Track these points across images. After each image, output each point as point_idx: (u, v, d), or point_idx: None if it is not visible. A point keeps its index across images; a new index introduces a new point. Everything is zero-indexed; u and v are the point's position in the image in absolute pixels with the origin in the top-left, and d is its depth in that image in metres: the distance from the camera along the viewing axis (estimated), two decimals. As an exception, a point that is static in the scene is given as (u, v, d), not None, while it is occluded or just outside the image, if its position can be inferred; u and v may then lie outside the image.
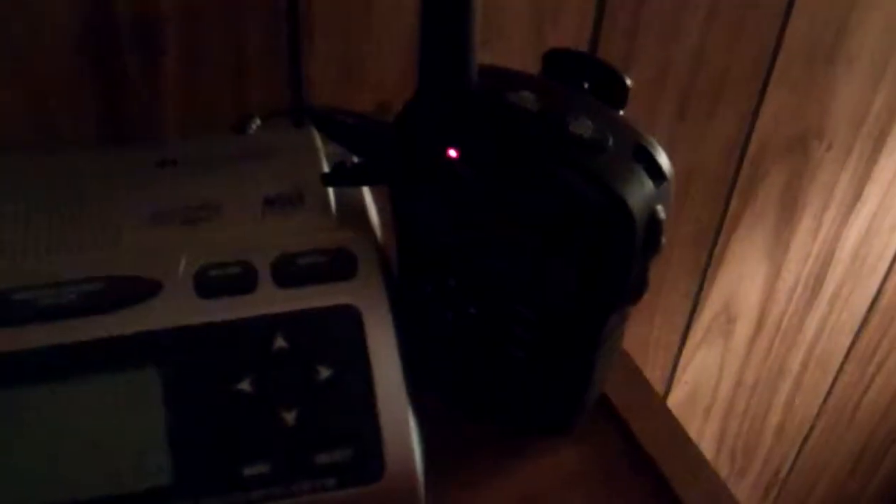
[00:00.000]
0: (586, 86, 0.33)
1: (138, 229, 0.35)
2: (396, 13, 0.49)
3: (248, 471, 0.31)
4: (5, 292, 0.32)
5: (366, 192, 0.39)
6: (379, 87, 0.51)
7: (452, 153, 0.31)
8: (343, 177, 0.36)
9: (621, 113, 0.33)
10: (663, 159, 0.32)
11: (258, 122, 0.43)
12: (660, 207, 0.31)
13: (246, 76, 0.48)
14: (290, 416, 0.32)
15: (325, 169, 0.38)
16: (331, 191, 0.37)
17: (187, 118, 0.48)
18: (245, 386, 0.32)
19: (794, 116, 0.72)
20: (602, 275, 0.32)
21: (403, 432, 0.33)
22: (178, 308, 0.33)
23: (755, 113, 0.69)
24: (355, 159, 0.36)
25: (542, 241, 0.32)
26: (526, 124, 0.31)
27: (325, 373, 0.33)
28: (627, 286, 0.32)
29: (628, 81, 0.33)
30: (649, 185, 0.31)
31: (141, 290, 0.33)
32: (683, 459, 0.40)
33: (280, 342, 0.33)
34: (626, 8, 0.58)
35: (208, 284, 0.33)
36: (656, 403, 0.42)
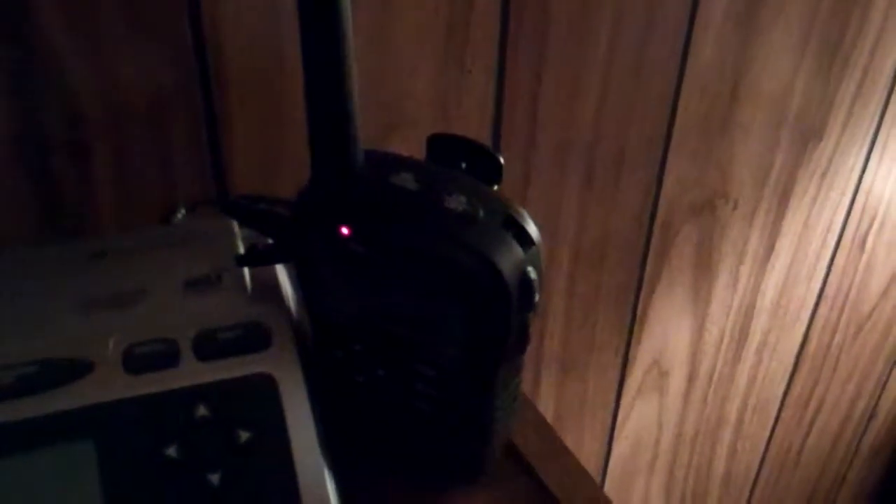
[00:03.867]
0: (464, 166, 0.38)
1: (72, 316, 0.38)
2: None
3: (180, 531, 0.34)
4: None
5: (280, 269, 0.42)
6: (299, 171, 0.55)
7: (344, 231, 0.35)
8: (255, 258, 0.39)
9: (496, 188, 0.37)
10: (531, 227, 0.35)
11: (183, 212, 0.47)
12: (530, 269, 0.35)
13: (172, 170, 0.51)
14: (215, 478, 0.34)
15: (241, 251, 0.42)
16: (246, 271, 0.40)
17: (122, 211, 0.51)
18: (172, 452, 0.34)
19: (697, 181, 0.76)
20: (485, 332, 0.35)
21: (320, 487, 0.35)
22: (109, 385, 0.35)
23: (659, 181, 0.73)
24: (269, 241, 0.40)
25: (431, 307, 0.35)
26: (405, 203, 0.34)
27: (244, 436, 0.35)
28: (510, 340, 0.36)
29: (501, 159, 0.37)
30: (518, 249, 0.34)
31: (74, 370, 0.36)
32: (588, 501, 0.44)
33: (202, 410, 0.35)
34: (523, 91, 0.62)
35: (135, 362, 0.36)
36: (561, 449, 0.45)
